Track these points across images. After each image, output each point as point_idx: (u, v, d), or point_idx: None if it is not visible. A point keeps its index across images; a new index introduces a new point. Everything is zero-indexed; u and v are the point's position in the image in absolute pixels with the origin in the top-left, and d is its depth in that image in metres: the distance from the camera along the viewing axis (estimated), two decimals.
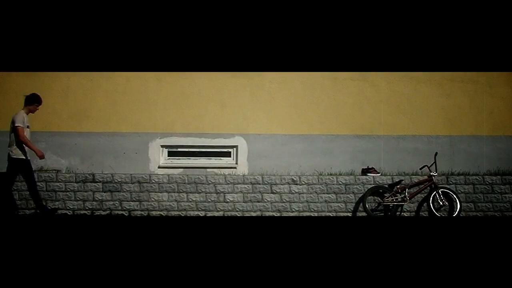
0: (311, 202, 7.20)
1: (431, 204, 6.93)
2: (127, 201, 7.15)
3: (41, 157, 6.31)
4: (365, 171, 7.67)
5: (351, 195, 7.25)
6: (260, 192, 7.23)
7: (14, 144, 6.20)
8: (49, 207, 6.86)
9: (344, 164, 8.22)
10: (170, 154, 8.36)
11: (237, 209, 7.17)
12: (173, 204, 7.13)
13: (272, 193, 7.24)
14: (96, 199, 7.12)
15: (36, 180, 7.10)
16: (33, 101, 6.44)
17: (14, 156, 6.20)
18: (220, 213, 7.14)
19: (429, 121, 8.41)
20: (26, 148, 6.28)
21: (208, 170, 8.10)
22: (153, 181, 7.20)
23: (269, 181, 7.25)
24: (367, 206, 6.97)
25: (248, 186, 7.23)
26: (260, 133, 8.30)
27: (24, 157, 6.26)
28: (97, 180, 7.17)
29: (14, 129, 6.19)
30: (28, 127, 6.35)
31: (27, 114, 6.41)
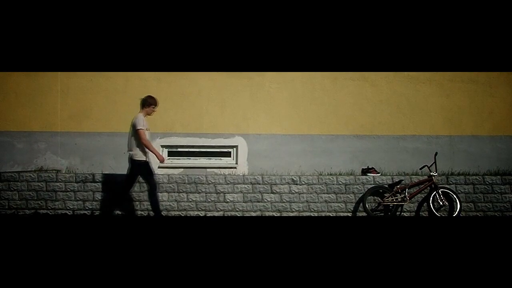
0: (311, 202, 7.20)
1: (431, 204, 6.92)
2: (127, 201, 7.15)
3: (162, 161, 6.31)
4: (365, 171, 7.66)
5: (351, 195, 7.25)
6: (260, 192, 7.23)
7: (136, 147, 6.21)
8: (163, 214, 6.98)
9: (344, 164, 8.22)
10: (170, 154, 8.36)
11: (237, 209, 7.16)
12: (173, 204, 7.13)
13: (272, 193, 7.23)
14: (96, 199, 7.12)
15: (36, 180, 7.11)
16: (149, 104, 6.42)
17: (136, 158, 6.21)
18: (220, 213, 7.14)
19: (429, 121, 8.41)
20: (146, 150, 6.29)
21: (208, 170, 8.11)
22: None
23: (269, 181, 7.25)
24: (367, 206, 6.96)
25: (248, 186, 7.23)
26: (260, 133, 8.30)
27: (145, 159, 6.28)
28: (97, 180, 7.16)
29: (136, 132, 6.19)
30: (147, 129, 6.34)
31: (145, 116, 6.38)
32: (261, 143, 8.26)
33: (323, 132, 8.35)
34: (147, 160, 6.33)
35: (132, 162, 6.26)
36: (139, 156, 6.23)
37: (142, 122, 6.23)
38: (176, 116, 8.31)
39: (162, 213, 6.64)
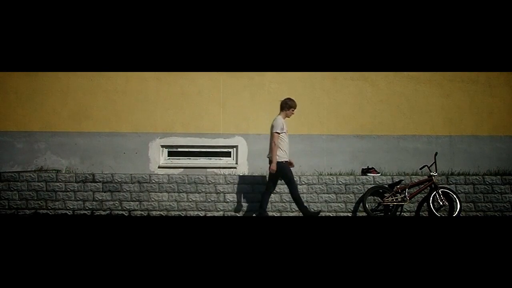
0: (311, 202, 7.20)
1: (431, 204, 6.92)
2: (127, 201, 7.15)
3: (272, 171, 6.30)
4: (365, 171, 7.66)
5: (351, 195, 7.25)
6: (260, 192, 7.22)
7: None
8: (313, 210, 6.95)
9: (344, 164, 8.22)
10: (170, 154, 8.36)
11: (237, 209, 7.16)
12: (173, 204, 7.13)
13: (272, 193, 7.22)
14: (96, 199, 7.12)
15: (36, 180, 7.11)
16: (289, 106, 6.50)
17: (278, 160, 6.27)
18: (220, 213, 7.14)
19: (429, 121, 8.41)
20: (287, 152, 6.38)
21: (208, 170, 8.10)
22: (153, 181, 7.19)
23: None
24: (367, 206, 6.96)
25: (248, 186, 7.22)
26: (260, 133, 8.30)
27: (286, 160, 6.36)
28: (97, 180, 7.16)
29: (271, 134, 6.32)
30: (286, 132, 6.40)
31: (284, 118, 6.45)
32: (261, 143, 8.25)
33: (323, 132, 8.35)
34: (287, 161, 6.39)
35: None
36: (280, 157, 6.29)
37: (280, 125, 6.31)
38: (176, 116, 8.31)
39: (312, 210, 6.72)
